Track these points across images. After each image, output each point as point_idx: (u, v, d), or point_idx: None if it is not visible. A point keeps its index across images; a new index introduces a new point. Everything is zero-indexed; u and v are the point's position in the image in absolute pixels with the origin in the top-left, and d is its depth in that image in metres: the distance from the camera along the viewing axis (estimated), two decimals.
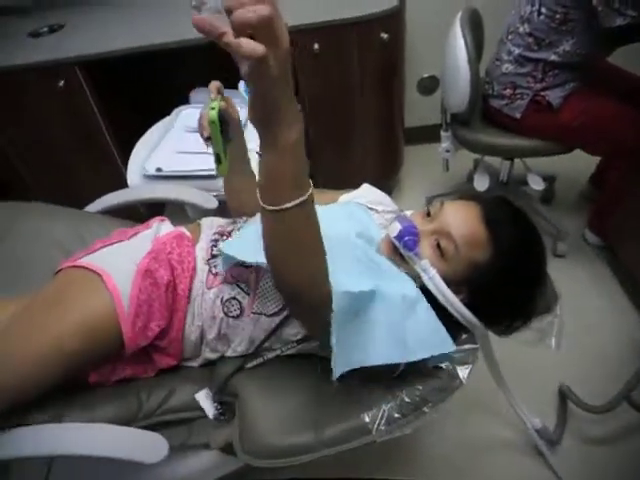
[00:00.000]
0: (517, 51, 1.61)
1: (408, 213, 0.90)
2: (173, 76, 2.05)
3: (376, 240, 0.92)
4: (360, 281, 0.72)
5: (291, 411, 0.85)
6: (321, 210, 0.63)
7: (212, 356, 0.95)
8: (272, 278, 0.67)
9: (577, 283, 1.85)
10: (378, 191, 1.12)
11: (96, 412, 0.88)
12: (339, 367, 0.70)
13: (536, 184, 1.86)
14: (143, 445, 0.84)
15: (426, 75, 2.39)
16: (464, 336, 0.90)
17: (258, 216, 0.63)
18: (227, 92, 1.77)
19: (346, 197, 1.10)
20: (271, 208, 0.57)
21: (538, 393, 1.52)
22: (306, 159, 0.58)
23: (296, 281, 0.64)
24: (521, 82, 1.63)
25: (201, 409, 0.93)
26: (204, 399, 0.93)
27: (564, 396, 1.49)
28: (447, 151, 1.91)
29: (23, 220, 1.15)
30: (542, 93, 1.62)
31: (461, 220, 0.81)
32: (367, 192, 1.11)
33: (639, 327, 1.68)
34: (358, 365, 0.72)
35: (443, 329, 0.80)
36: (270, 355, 0.93)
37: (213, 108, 0.76)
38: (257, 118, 0.52)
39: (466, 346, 0.89)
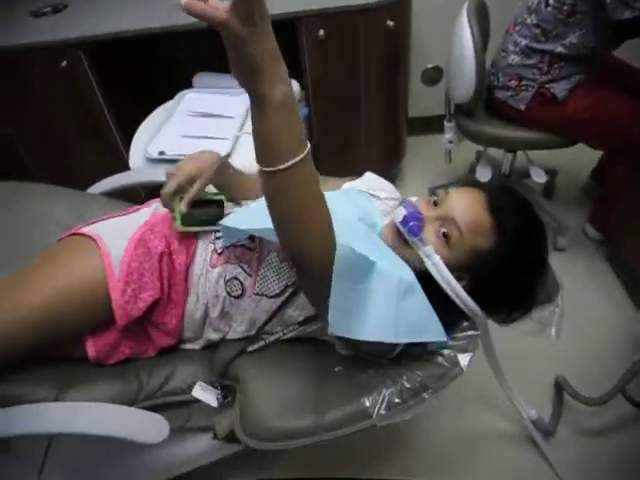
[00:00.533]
0: (524, 42, 1.60)
1: (413, 199, 0.90)
2: (176, 60, 2.03)
3: (378, 226, 0.92)
4: (362, 247, 0.73)
5: (292, 394, 0.86)
6: None
7: (214, 336, 0.95)
8: (278, 239, 0.67)
9: (576, 277, 1.85)
10: (381, 179, 1.12)
11: (96, 391, 0.89)
12: (334, 328, 0.71)
13: (538, 177, 1.86)
14: (144, 426, 0.84)
15: (430, 65, 2.36)
16: (465, 324, 0.91)
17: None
18: (230, 77, 1.79)
19: (349, 185, 1.10)
20: (267, 170, 0.58)
21: (534, 384, 1.53)
22: (300, 120, 0.59)
23: (301, 241, 0.65)
24: (527, 74, 1.62)
25: None
26: (201, 392, 0.94)
27: (560, 388, 1.50)
28: (450, 142, 1.90)
29: (24, 199, 1.15)
30: (547, 85, 1.61)
31: (466, 207, 0.81)
32: (370, 180, 1.11)
33: (636, 322, 1.68)
34: (351, 335, 0.73)
35: (436, 319, 0.81)
36: (271, 338, 0.93)
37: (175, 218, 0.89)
38: (237, 76, 0.55)
39: (468, 332, 0.90)
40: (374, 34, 1.77)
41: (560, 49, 1.54)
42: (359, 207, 0.95)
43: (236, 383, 0.91)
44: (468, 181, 0.90)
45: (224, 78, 1.82)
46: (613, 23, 1.40)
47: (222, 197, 0.99)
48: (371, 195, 1.05)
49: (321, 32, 1.71)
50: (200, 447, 1.12)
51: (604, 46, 1.58)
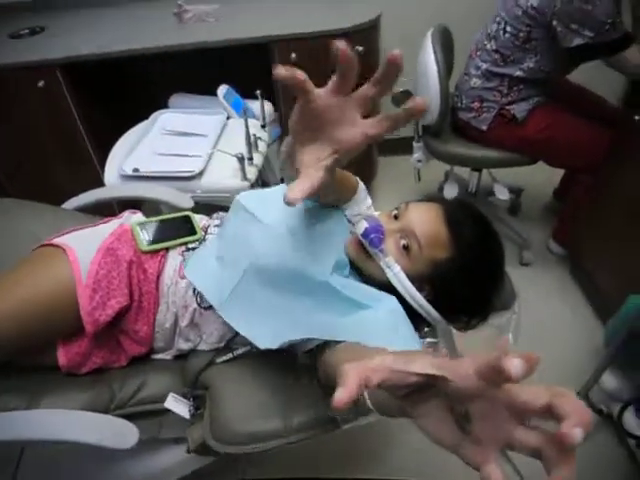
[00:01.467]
0: (484, 66, 1.69)
1: (375, 213, 0.94)
2: (153, 81, 2.08)
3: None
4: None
5: (260, 400, 0.88)
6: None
7: (185, 347, 0.97)
8: None
9: (542, 290, 1.93)
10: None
11: (68, 401, 0.90)
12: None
13: (502, 194, 1.94)
14: (113, 432, 0.85)
15: (400, 89, 2.46)
16: (426, 329, 0.95)
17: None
18: (205, 98, 1.84)
19: None
20: None
21: None
22: None
23: None
24: (488, 96, 1.72)
25: None
26: (173, 403, 0.95)
27: None
28: (419, 161, 1.97)
29: (0, 215, 1.16)
30: (507, 107, 1.70)
31: (424, 220, 0.84)
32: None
33: (599, 332, 1.75)
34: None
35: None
36: (240, 351, 0.95)
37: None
38: None
39: (427, 339, 0.93)
40: None
41: (518, 73, 1.63)
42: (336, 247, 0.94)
43: (206, 391, 0.93)
44: (428, 196, 0.94)
45: (199, 99, 1.88)
46: (564, 49, 1.50)
47: (187, 213, 1.03)
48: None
49: (293, 55, 1.78)
50: (173, 459, 1.13)
51: (559, 70, 1.68)
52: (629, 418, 1.32)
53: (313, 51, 1.80)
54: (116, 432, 0.85)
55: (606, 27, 1.41)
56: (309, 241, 0.87)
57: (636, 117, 1.45)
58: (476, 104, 1.75)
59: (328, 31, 1.76)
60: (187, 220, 1.03)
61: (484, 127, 1.76)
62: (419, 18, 2.22)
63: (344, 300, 0.82)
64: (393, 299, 0.83)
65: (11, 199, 1.24)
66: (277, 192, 0.95)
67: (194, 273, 0.93)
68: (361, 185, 1.02)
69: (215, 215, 1.08)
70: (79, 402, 0.90)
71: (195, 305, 0.93)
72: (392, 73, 0.53)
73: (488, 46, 1.67)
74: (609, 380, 1.46)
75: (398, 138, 2.57)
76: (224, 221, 1.01)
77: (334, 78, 0.52)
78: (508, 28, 1.59)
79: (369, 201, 1.04)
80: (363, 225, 0.86)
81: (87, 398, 0.92)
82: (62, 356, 0.90)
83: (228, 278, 0.88)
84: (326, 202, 0.94)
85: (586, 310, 1.86)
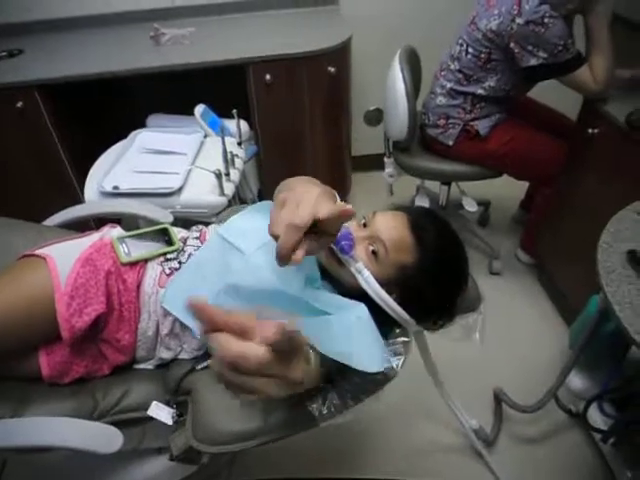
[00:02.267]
0: (449, 85, 1.79)
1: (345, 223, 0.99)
2: (130, 101, 2.12)
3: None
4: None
5: (240, 402, 0.91)
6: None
7: (166, 355, 1.00)
8: None
9: (511, 298, 2.01)
10: None
11: (52, 410, 0.92)
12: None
13: (470, 206, 2.03)
14: (98, 436, 0.88)
15: (372, 107, 2.54)
16: (397, 330, 1.00)
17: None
18: (182, 118, 1.89)
19: None
20: None
21: (476, 397, 1.64)
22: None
23: None
24: (453, 113, 1.81)
25: None
26: (157, 411, 0.97)
27: (499, 399, 1.60)
28: (391, 176, 2.05)
29: None
30: (471, 123, 1.80)
31: (390, 226, 0.91)
32: None
33: (566, 336, 1.82)
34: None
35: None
36: None
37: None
38: None
39: (400, 339, 0.98)
40: (316, 79, 1.93)
41: (480, 91, 1.74)
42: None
43: (188, 396, 0.96)
44: (394, 205, 1.00)
45: (176, 119, 1.92)
46: (522, 69, 1.60)
47: (165, 226, 1.08)
48: None
49: (267, 77, 1.85)
50: (156, 469, 1.14)
51: (518, 88, 1.78)
52: (593, 414, 1.38)
53: (286, 72, 1.88)
54: (101, 437, 0.88)
55: (559, 48, 1.50)
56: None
57: (589, 130, 1.54)
58: (442, 121, 1.84)
59: (301, 53, 1.84)
60: (165, 232, 1.07)
61: (450, 142, 1.85)
62: (388, 39, 2.32)
63: (314, 312, 0.86)
64: (361, 308, 0.87)
65: None
66: (256, 222, 1.00)
67: (172, 303, 0.96)
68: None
69: (194, 228, 1.12)
70: (63, 410, 0.92)
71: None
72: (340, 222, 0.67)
73: (452, 67, 1.77)
74: (575, 380, 1.52)
75: (370, 155, 2.66)
76: (201, 250, 1.04)
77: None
78: (470, 50, 1.69)
79: None
80: None
81: (70, 407, 0.94)
82: (45, 365, 0.92)
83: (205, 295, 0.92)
84: None
85: (553, 316, 1.94)
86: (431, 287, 0.91)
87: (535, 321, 1.93)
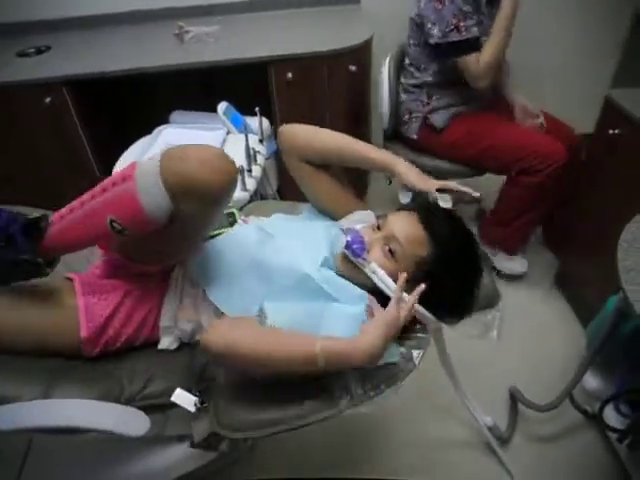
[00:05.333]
0: (404, 81, 1.87)
1: (358, 227, 1.02)
2: (154, 98, 2.16)
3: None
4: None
5: (263, 390, 0.94)
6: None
7: (187, 327, 1.03)
8: None
9: (527, 298, 2.00)
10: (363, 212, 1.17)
11: (81, 395, 0.95)
12: None
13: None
14: (126, 420, 0.91)
15: None
16: (417, 326, 1.02)
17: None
18: (205, 115, 1.92)
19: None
20: None
21: (492, 395, 1.64)
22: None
23: None
24: (413, 107, 1.87)
25: None
26: (180, 397, 1.00)
27: (514, 398, 1.61)
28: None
29: None
30: (429, 115, 1.84)
31: (403, 224, 0.96)
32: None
33: (582, 336, 1.82)
34: None
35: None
36: None
37: None
38: None
39: (419, 334, 1.01)
40: (337, 77, 1.95)
41: (429, 78, 1.78)
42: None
43: (212, 382, 0.99)
44: (403, 206, 1.04)
45: (199, 116, 1.96)
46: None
47: (233, 210, 1.16)
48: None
49: (289, 75, 1.88)
50: (175, 456, 1.18)
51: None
52: (609, 413, 1.38)
53: (308, 70, 1.90)
54: (129, 420, 0.91)
55: (450, 27, 1.53)
56: (301, 236, 1.02)
57: (609, 131, 1.54)
58: (406, 116, 1.91)
59: (322, 52, 1.87)
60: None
61: (414, 136, 1.90)
62: None
63: (320, 293, 0.93)
64: (362, 304, 0.93)
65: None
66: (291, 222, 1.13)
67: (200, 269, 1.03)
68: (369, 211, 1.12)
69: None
70: (91, 395, 0.96)
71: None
72: None
73: (405, 62, 1.86)
74: (591, 380, 1.53)
75: None
76: (239, 228, 1.12)
77: None
78: (411, 40, 1.77)
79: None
80: (344, 239, 0.96)
81: (98, 392, 0.97)
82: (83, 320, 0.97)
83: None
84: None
85: (569, 314, 1.93)
86: (449, 276, 0.94)
87: (551, 320, 1.92)
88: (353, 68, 1.93)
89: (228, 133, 1.77)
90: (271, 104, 1.97)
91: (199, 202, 0.81)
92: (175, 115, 1.99)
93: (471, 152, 1.82)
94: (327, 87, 1.96)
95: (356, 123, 2.17)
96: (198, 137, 1.71)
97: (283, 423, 0.89)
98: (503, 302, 1.15)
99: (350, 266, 0.96)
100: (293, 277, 0.95)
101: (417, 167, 1.06)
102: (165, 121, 1.94)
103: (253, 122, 1.80)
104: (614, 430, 1.37)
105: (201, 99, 1.87)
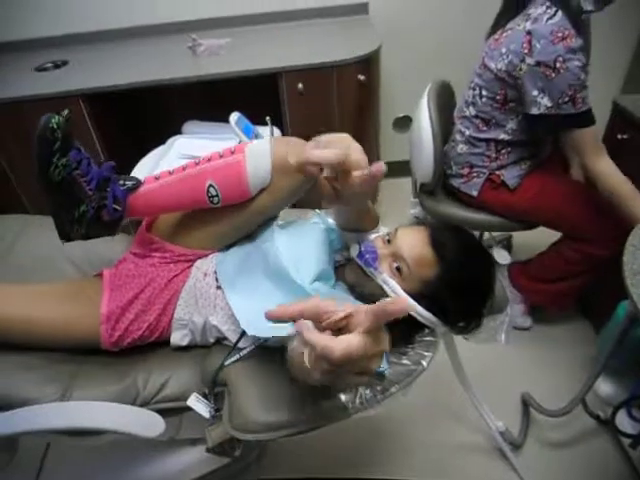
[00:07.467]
0: (467, 133, 1.63)
1: (371, 237, 1.02)
2: (167, 109, 2.21)
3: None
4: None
5: (275, 392, 0.96)
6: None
7: (198, 320, 1.04)
8: None
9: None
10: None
11: (96, 396, 0.98)
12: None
13: (502, 258, 1.88)
14: (141, 421, 0.94)
15: (401, 115, 2.59)
16: (427, 330, 1.03)
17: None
18: (217, 125, 1.95)
19: None
20: None
21: (502, 400, 1.65)
22: None
23: None
24: (477, 161, 1.65)
25: None
26: (195, 403, 1.02)
27: (526, 404, 1.61)
28: (416, 217, 1.90)
29: (33, 231, 1.27)
30: (497, 172, 1.63)
31: (412, 244, 0.93)
32: None
33: (593, 342, 1.82)
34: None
35: None
36: (244, 352, 1.01)
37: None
38: None
39: (428, 338, 1.02)
40: (347, 87, 1.98)
41: (503, 135, 1.56)
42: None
43: (225, 387, 1.01)
44: (416, 220, 1.03)
45: (211, 126, 1.99)
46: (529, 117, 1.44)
47: None
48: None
49: (300, 85, 1.91)
50: (189, 460, 1.20)
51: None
52: (622, 419, 1.38)
53: (318, 81, 1.94)
54: (145, 422, 0.93)
55: (565, 99, 1.34)
56: (298, 247, 1.01)
57: (618, 136, 1.54)
58: (466, 170, 1.69)
59: (332, 62, 1.90)
60: None
61: (474, 192, 1.69)
62: (416, 47, 2.37)
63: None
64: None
65: (43, 216, 1.35)
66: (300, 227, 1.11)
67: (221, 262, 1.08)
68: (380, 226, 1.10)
69: None
70: (107, 397, 0.98)
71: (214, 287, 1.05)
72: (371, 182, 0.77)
73: (467, 113, 1.62)
74: (604, 386, 1.53)
75: (398, 161, 2.69)
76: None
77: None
78: (484, 92, 1.53)
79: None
80: (357, 247, 0.97)
81: (115, 394, 0.99)
82: (105, 303, 1.00)
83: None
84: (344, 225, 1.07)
85: (581, 320, 1.94)
86: (455, 298, 0.93)
87: (563, 326, 1.92)
88: (362, 78, 1.96)
89: (240, 142, 1.80)
90: (281, 114, 2.01)
91: (290, 179, 0.96)
92: (188, 125, 2.03)
93: (550, 215, 1.63)
94: (336, 97, 1.99)
95: (364, 132, 2.20)
96: (210, 147, 1.73)
97: (293, 426, 0.91)
98: (510, 305, 1.15)
99: (361, 275, 0.96)
100: (283, 281, 0.96)
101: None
102: (178, 131, 1.97)
103: (264, 131, 1.83)
104: (627, 435, 1.37)
105: (213, 109, 1.90)
